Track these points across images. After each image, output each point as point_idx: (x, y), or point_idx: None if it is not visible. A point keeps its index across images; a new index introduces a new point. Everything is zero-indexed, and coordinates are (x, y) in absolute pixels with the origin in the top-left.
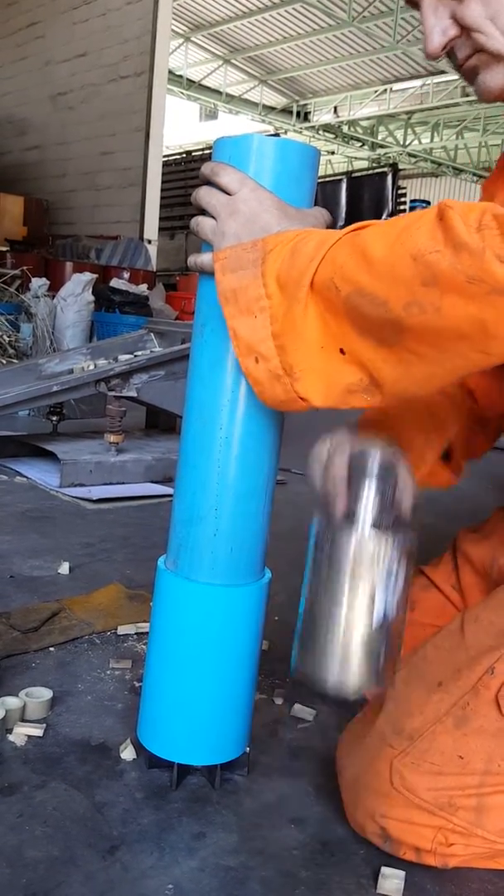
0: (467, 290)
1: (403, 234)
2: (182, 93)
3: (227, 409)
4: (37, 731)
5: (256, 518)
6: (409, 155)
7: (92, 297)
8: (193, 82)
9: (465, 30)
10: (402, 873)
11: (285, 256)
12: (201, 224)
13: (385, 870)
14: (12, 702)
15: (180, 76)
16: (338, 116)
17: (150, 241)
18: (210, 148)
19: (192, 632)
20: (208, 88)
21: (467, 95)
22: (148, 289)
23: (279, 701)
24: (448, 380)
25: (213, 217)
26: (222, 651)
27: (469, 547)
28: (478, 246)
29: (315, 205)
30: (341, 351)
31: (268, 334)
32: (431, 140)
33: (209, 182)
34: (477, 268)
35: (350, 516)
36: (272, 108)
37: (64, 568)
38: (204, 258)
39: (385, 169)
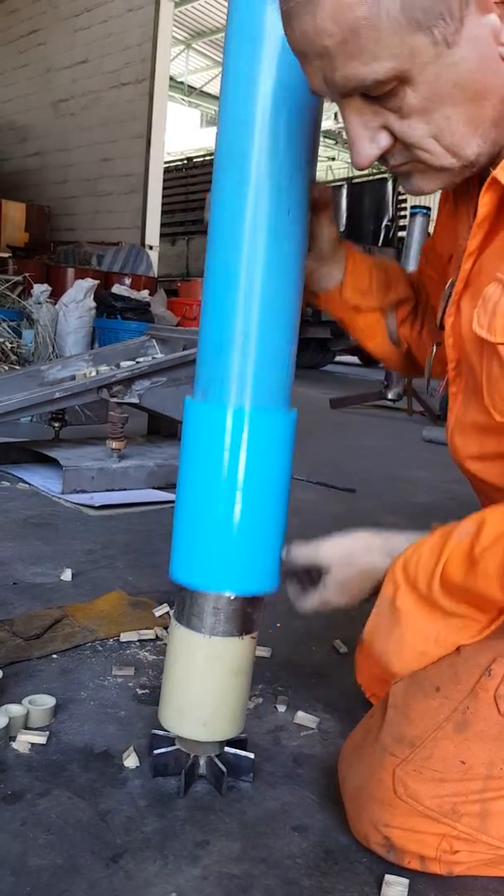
0: None
1: None
2: (183, 99)
3: (252, 230)
4: (40, 739)
5: (286, 341)
6: None
7: (93, 304)
8: (194, 89)
9: (402, 142)
10: (405, 881)
11: (405, 595)
12: (331, 603)
13: (388, 877)
14: (16, 709)
15: (181, 83)
16: (338, 122)
17: (151, 247)
18: (211, 154)
19: (224, 457)
20: (209, 95)
21: None
22: (149, 295)
23: (282, 708)
24: None
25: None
26: (254, 475)
27: None
28: None
29: None
30: None
31: (437, 651)
32: None
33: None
34: None
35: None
36: None
37: (66, 575)
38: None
39: (385, 175)
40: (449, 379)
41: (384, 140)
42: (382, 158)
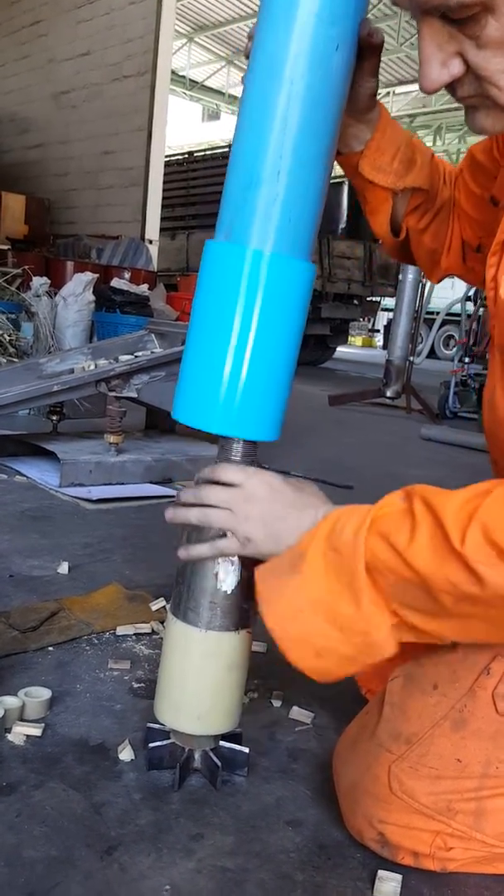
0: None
1: (439, 561)
2: (185, 93)
3: (297, 61)
4: (35, 731)
5: (316, 188)
6: None
7: (93, 297)
8: (196, 83)
9: (474, 72)
10: (398, 877)
11: (323, 551)
12: (211, 515)
13: (382, 873)
14: (11, 701)
15: (183, 76)
16: None
17: (151, 242)
18: (212, 148)
19: (241, 298)
20: (211, 89)
21: None
22: (149, 289)
23: (277, 703)
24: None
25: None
26: (267, 320)
27: None
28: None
29: None
30: (394, 612)
31: (327, 627)
32: (434, 144)
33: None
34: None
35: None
36: None
37: (63, 568)
38: (223, 545)
39: None
40: (490, 335)
41: (456, 67)
42: (451, 87)
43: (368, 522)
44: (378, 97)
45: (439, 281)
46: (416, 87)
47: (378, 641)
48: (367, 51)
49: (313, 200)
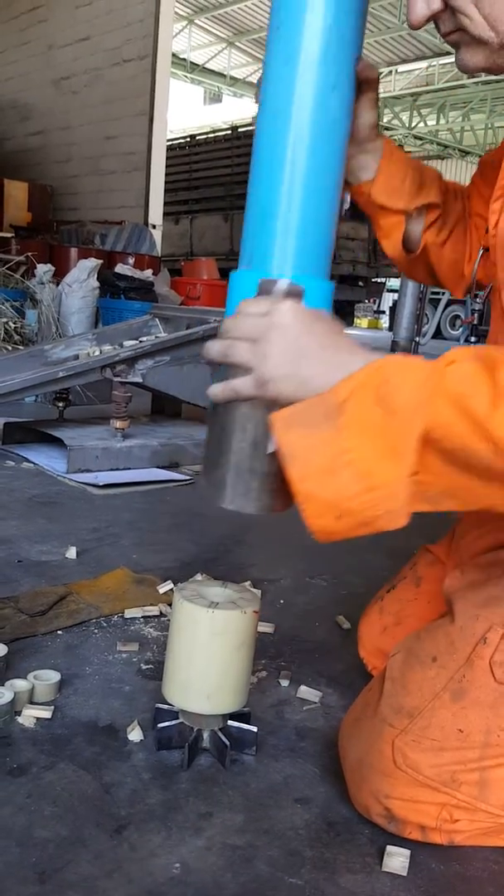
0: None
1: None
2: (186, 76)
3: (299, 103)
4: (45, 713)
5: (326, 215)
6: (415, 137)
7: (97, 283)
8: (197, 65)
9: (450, 7)
10: (407, 851)
11: (369, 406)
12: (235, 347)
13: (390, 848)
14: (21, 684)
15: (184, 59)
16: None
17: (154, 227)
18: (214, 131)
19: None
20: (212, 71)
21: (474, 76)
22: (153, 274)
23: (285, 683)
24: None
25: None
26: None
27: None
28: None
29: None
30: (415, 472)
31: (360, 489)
32: (437, 122)
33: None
34: None
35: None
36: None
37: (71, 552)
38: (238, 383)
39: None
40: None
41: (436, 3)
42: (437, 27)
43: (435, 382)
44: (381, 76)
45: (464, 294)
46: (418, 65)
47: (398, 509)
48: (363, 85)
49: (324, 225)
